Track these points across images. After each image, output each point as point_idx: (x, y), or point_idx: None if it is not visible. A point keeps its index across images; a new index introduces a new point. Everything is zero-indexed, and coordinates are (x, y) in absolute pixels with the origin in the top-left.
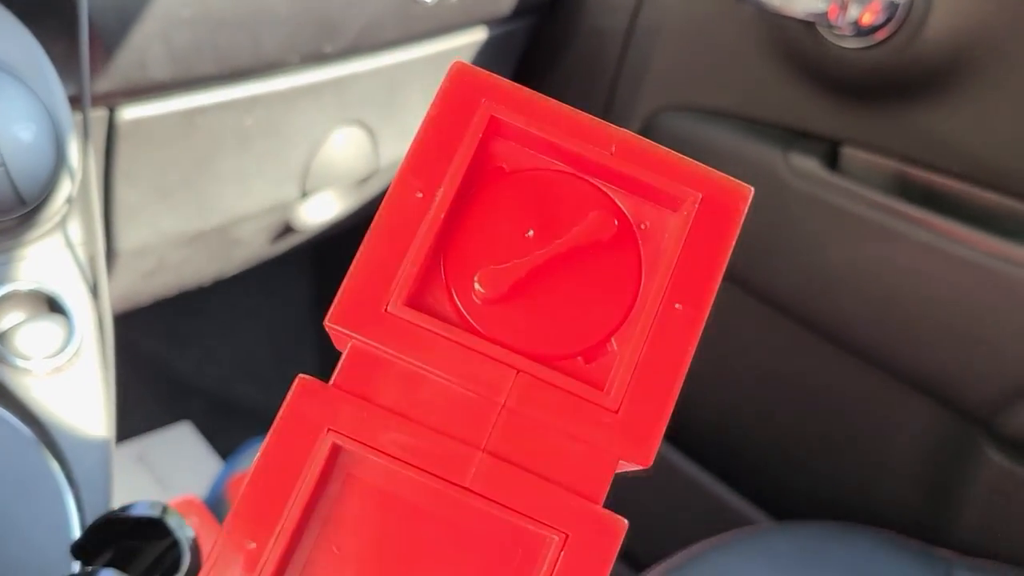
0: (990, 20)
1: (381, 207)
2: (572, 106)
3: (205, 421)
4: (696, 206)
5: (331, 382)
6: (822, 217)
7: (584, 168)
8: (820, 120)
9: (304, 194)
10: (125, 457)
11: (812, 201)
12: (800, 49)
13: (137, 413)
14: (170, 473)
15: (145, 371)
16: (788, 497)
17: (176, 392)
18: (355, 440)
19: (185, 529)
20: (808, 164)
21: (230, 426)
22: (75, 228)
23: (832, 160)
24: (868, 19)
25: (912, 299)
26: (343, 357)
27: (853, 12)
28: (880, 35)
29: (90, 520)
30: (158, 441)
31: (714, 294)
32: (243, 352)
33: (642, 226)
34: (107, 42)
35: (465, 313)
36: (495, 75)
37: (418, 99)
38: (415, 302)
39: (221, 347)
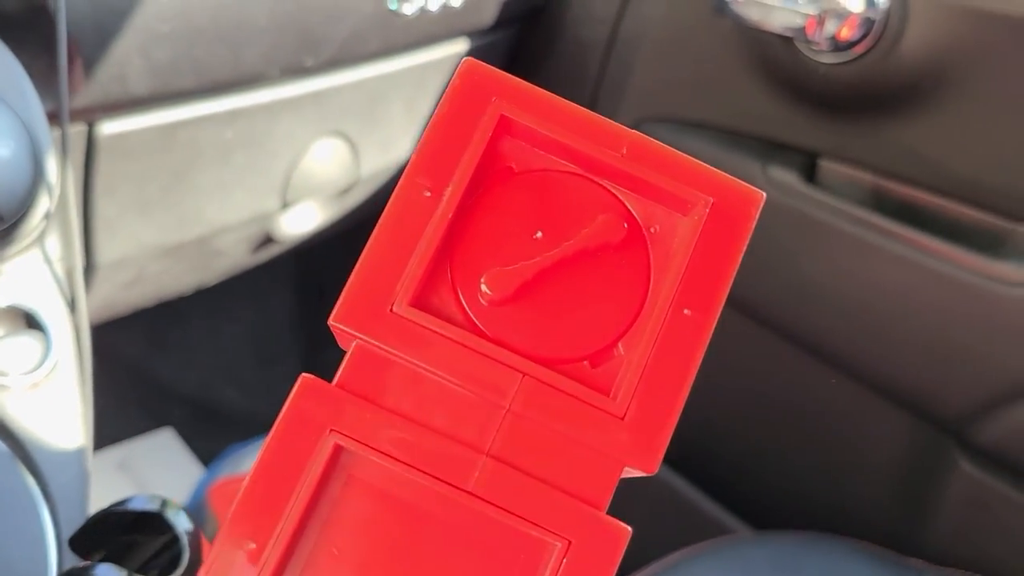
0: (965, 35)
1: (388, 205)
2: None
3: (186, 427)
4: (707, 210)
5: (334, 382)
6: (799, 229)
7: (594, 169)
8: (799, 133)
9: (285, 205)
10: (106, 464)
11: (790, 214)
12: (779, 63)
13: (118, 419)
14: (151, 479)
15: (126, 377)
16: (764, 506)
17: (157, 398)
18: (357, 441)
19: (185, 523)
20: (786, 177)
21: (212, 432)
22: (53, 243)
23: (810, 173)
24: (845, 34)
25: (887, 311)
26: (347, 357)
27: (830, 27)
28: (857, 50)
29: (66, 535)
30: (139, 447)
31: (724, 300)
32: (225, 357)
33: (652, 229)
34: (86, 57)
35: (471, 315)
36: (505, 73)
37: (399, 110)
38: (421, 303)
39: (202, 352)
